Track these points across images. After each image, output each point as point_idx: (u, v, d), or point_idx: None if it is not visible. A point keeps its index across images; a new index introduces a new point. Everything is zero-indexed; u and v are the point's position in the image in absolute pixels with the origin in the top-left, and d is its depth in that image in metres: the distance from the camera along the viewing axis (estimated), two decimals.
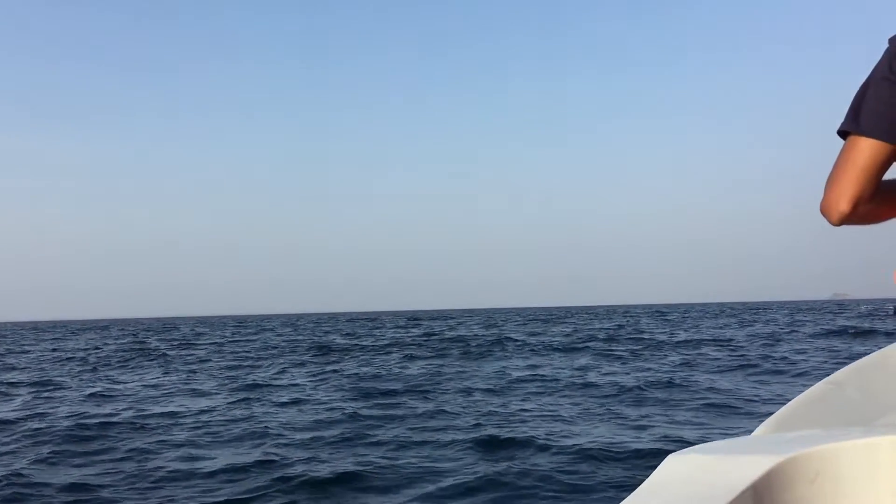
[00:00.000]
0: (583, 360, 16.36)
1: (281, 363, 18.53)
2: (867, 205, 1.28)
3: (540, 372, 13.87)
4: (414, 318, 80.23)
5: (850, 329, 24.95)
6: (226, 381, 14.01)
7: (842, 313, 48.60)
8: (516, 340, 25.50)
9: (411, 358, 18.86)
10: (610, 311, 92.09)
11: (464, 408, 9.42)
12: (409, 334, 33.80)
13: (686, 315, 57.64)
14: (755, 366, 13.84)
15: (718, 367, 13.98)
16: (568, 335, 28.68)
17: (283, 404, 10.44)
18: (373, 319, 79.77)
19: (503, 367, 15.42)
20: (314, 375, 14.81)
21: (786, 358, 15.26)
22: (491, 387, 11.73)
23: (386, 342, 27.29)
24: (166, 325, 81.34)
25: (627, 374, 13.10)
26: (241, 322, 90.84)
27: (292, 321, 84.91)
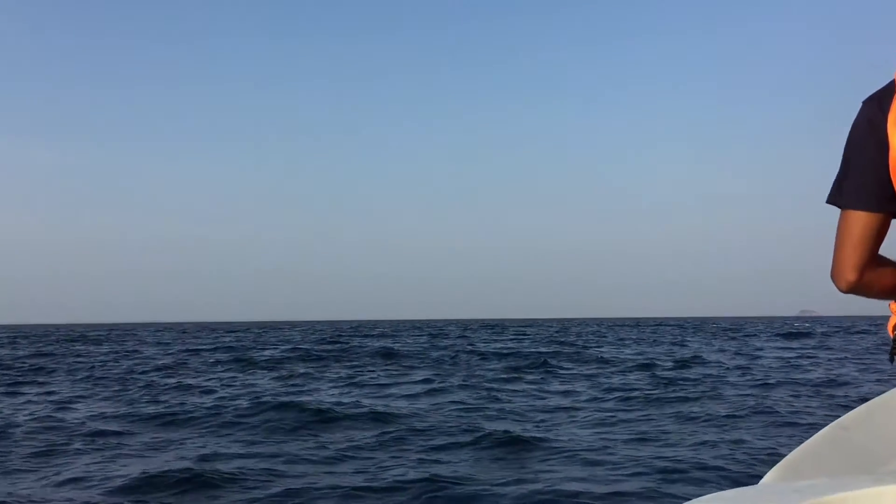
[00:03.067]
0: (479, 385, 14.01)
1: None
2: (872, 270, 1.36)
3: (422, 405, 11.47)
4: (424, 326, 77.69)
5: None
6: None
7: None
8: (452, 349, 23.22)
9: (307, 374, 16.46)
10: (580, 324, 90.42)
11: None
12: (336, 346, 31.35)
13: (656, 329, 56.02)
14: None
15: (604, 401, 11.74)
16: (507, 351, 26.46)
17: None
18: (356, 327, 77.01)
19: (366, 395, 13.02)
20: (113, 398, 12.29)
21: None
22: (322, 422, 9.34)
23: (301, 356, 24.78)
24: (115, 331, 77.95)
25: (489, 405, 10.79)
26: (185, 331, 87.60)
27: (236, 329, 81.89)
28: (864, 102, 1.35)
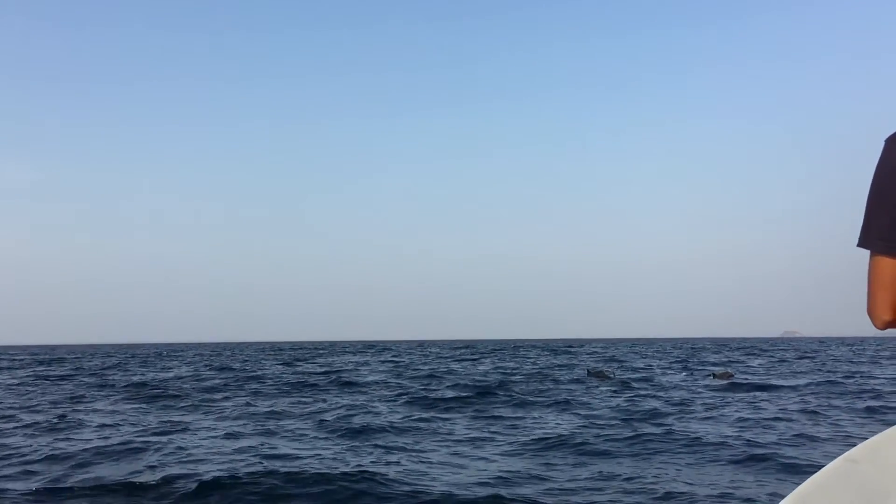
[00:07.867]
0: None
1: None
2: None
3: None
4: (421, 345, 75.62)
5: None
6: None
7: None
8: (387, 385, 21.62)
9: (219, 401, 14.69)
10: (555, 344, 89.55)
11: None
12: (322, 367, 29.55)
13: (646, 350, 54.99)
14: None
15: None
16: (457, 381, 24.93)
17: None
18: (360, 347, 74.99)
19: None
20: None
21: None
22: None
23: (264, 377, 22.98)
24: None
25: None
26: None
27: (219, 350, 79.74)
28: (887, 141, 1.32)
